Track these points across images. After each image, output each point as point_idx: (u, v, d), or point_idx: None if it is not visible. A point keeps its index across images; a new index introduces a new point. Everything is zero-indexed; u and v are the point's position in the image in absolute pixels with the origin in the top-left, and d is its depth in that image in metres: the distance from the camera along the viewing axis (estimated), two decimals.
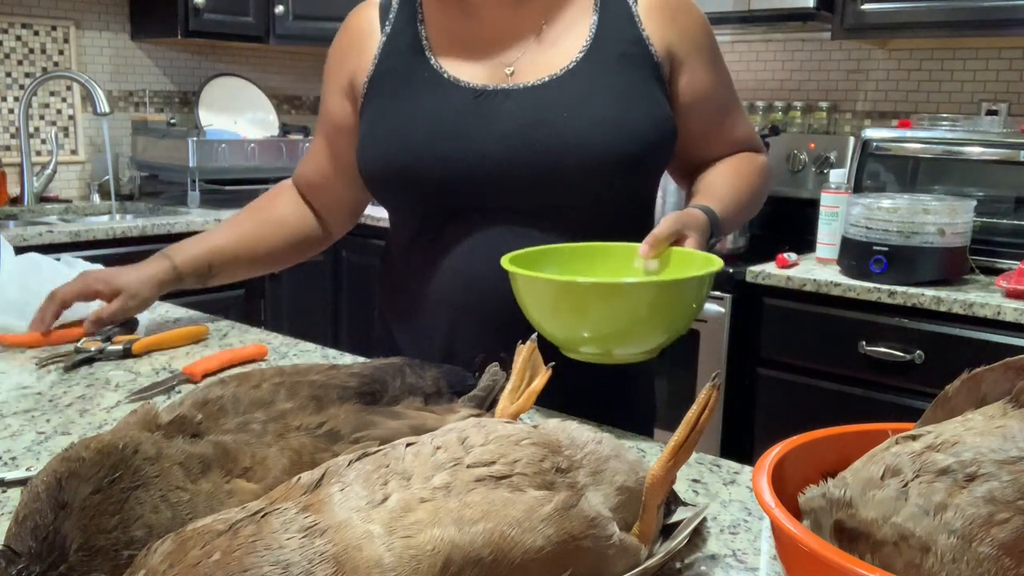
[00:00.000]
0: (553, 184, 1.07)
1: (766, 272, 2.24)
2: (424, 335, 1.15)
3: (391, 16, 1.18)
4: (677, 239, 1.03)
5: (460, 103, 1.10)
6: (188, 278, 1.27)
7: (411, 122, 1.11)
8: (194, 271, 1.27)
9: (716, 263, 0.96)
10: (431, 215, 1.13)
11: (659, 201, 1.26)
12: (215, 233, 1.31)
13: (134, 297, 1.24)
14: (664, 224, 1.02)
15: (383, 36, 1.17)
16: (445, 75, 1.12)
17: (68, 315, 1.29)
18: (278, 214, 1.32)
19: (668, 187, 2.30)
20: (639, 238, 1.03)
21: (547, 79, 1.10)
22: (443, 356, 1.11)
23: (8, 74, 3.12)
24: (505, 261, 0.97)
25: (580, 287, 0.92)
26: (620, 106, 1.08)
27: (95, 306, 1.27)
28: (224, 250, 1.28)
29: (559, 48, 1.12)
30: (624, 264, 1.04)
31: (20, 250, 1.46)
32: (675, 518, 0.68)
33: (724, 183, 1.17)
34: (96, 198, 3.28)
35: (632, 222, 1.15)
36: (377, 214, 2.70)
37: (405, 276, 1.18)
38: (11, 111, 3.13)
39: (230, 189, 3.19)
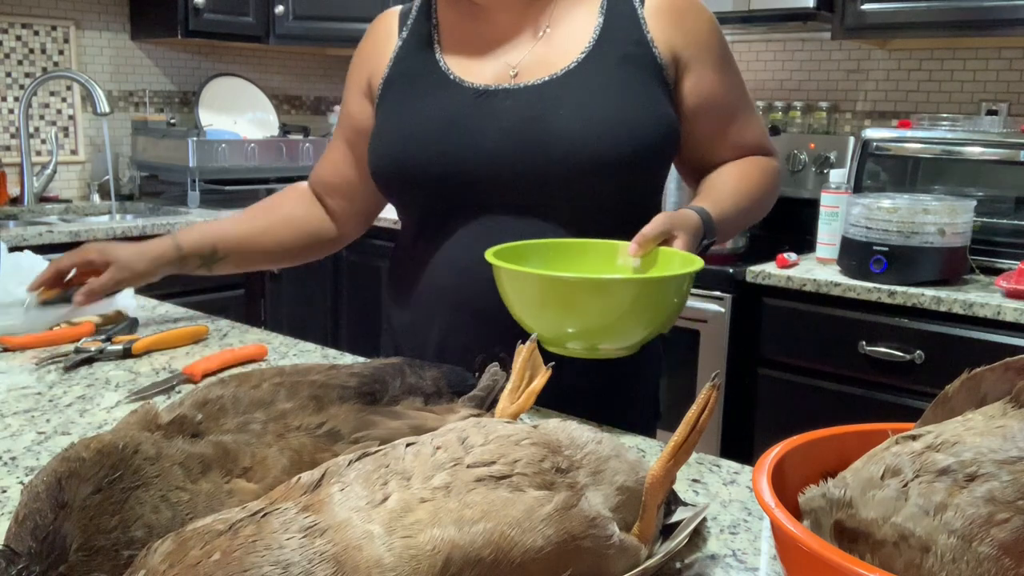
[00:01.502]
0: (544, 180, 1.09)
1: (766, 272, 2.24)
2: (422, 326, 1.18)
3: (409, 21, 1.22)
4: (666, 239, 1.03)
5: (461, 102, 1.12)
6: (192, 259, 1.28)
7: (416, 121, 1.14)
8: (198, 252, 1.28)
9: (697, 263, 0.97)
10: (433, 211, 1.16)
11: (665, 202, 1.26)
12: (223, 221, 1.33)
13: (125, 269, 1.25)
14: (653, 224, 1.03)
15: (399, 40, 1.21)
16: (451, 75, 1.15)
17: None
18: (286, 211, 1.34)
19: (668, 186, 2.30)
20: None
21: (548, 78, 1.11)
22: (439, 345, 1.14)
23: (8, 74, 3.11)
24: (489, 255, 0.98)
25: (564, 282, 0.92)
26: (618, 106, 1.08)
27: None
28: (229, 236, 1.30)
29: (562, 49, 1.13)
30: (607, 261, 1.06)
31: (19, 250, 1.46)
32: (675, 518, 0.68)
33: (726, 186, 1.17)
34: (96, 198, 3.28)
35: (633, 222, 1.15)
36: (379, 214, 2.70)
37: (410, 269, 1.21)
38: (11, 111, 3.13)
39: (230, 189, 3.19)
